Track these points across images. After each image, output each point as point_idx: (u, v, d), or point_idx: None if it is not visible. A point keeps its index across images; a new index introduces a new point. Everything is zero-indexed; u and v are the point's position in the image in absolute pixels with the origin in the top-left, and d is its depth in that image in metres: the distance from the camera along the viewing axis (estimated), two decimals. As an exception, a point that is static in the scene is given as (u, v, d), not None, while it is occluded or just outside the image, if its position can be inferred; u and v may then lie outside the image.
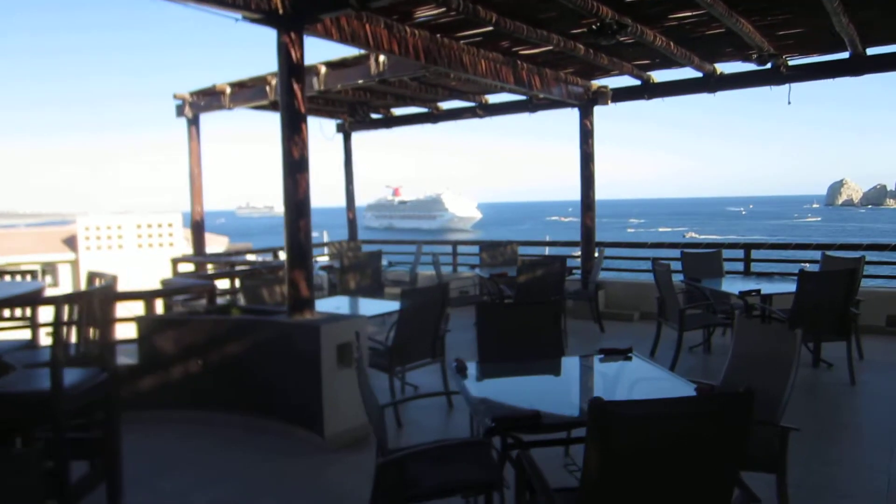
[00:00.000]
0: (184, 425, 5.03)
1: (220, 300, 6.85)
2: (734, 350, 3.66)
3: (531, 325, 4.29)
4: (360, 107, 10.63)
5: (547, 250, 11.88)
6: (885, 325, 7.76)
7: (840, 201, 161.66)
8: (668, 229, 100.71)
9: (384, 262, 9.42)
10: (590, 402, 2.05)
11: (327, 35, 5.35)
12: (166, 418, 5.09)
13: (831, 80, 7.65)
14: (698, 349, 7.15)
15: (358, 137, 11.95)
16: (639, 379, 3.68)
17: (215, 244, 18.72)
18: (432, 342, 5.38)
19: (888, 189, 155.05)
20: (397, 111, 11.08)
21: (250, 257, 11.82)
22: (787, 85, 7.93)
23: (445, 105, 10.47)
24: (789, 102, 8.05)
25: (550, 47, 6.97)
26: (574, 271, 8.28)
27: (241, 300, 6.36)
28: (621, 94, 9.01)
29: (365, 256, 8.88)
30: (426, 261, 10.10)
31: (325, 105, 10.18)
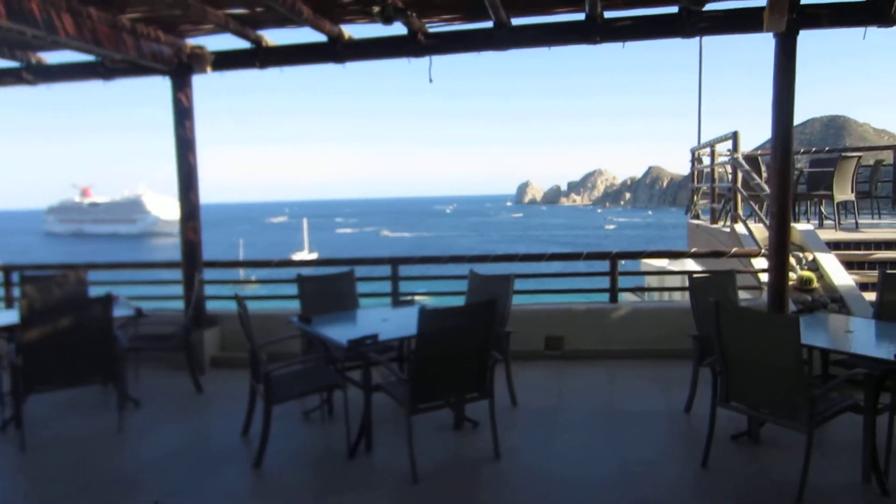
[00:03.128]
0: None
1: None
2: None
3: None
4: None
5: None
6: (543, 348, 6.63)
7: (527, 199, 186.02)
8: (358, 230, 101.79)
9: None
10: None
11: None
12: None
13: (475, 53, 6.37)
14: (315, 414, 5.08)
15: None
16: None
17: None
18: None
19: (561, 189, 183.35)
20: None
21: None
22: (427, 57, 6.42)
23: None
24: (431, 80, 6.59)
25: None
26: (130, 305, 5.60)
27: None
28: (227, 60, 6.60)
29: None
30: None
31: None
